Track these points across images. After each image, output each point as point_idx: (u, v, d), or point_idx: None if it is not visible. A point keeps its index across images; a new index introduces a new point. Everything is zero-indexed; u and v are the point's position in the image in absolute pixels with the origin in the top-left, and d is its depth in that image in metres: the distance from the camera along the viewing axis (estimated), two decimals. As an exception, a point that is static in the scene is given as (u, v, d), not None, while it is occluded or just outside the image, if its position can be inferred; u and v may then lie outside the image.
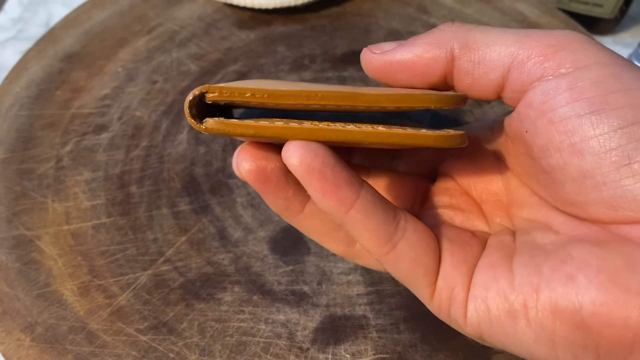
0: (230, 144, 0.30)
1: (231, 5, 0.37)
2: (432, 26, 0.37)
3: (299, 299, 0.24)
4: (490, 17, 0.37)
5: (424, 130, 0.16)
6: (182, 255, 0.26)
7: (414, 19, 0.37)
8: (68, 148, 0.30)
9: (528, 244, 0.17)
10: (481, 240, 0.18)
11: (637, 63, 0.39)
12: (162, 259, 0.26)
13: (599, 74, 0.15)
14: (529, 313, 0.15)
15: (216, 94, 0.16)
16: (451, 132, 0.16)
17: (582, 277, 0.14)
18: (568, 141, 0.15)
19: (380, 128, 0.16)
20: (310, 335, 0.24)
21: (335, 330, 0.24)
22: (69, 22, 0.36)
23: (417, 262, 0.17)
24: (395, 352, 0.23)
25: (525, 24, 0.37)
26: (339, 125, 0.16)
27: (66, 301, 0.24)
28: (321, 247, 0.26)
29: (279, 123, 0.15)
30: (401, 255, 0.17)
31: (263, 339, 0.23)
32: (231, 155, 0.29)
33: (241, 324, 0.24)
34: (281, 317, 0.24)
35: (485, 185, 0.21)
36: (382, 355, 0.23)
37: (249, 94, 0.15)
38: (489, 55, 0.17)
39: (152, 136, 0.30)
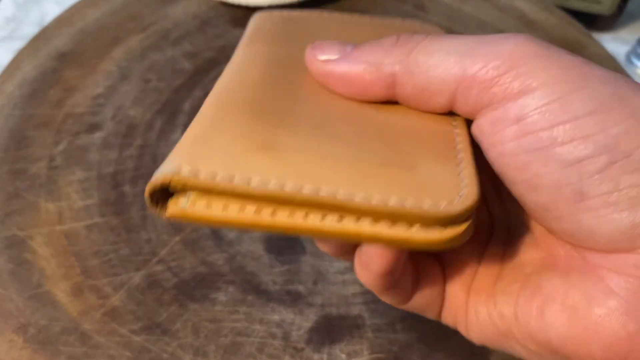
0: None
1: (225, 4, 0.37)
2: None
3: (294, 299, 0.24)
4: (488, 14, 0.37)
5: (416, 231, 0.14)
6: (176, 255, 0.26)
7: (411, 16, 0.37)
8: (61, 147, 0.29)
9: (510, 262, 0.18)
10: (479, 252, 0.19)
11: (635, 60, 0.39)
12: (155, 259, 0.25)
13: (546, 100, 0.14)
14: (515, 337, 0.17)
15: (181, 187, 0.14)
16: (449, 232, 0.14)
17: (549, 313, 0.15)
18: (521, 177, 0.15)
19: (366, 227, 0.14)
20: (305, 335, 0.23)
21: (330, 330, 0.23)
22: (62, 21, 0.36)
23: (429, 307, 0.19)
24: (391, 352, 0.23)
25: (523, 21, 0.37)
26: (314, 218, 0.14)
27: (59, 302, 0.24)
28: (316, 247, 0.26)
29: (250, 210, 0.14)
30: (415, 306, 0.19)
31: (258, 339, 0.23)
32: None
33: (236, 324, 0.24)
34: (276, 317, 0.24)
35: None
36: (378, 355, 0.23)
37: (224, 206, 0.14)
38: (433, 81, 0.16)
39: (146, 135, 0.30)
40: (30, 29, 0.40)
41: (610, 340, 0.15)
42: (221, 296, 0.24)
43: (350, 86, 0.17)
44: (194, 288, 0.25)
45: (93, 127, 0.30)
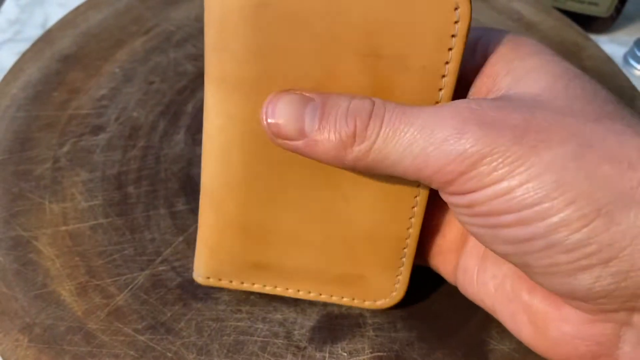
0: (227, 144, 0.30)
1: (228, 6, 0.37)
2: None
3: (296, 298, 0.25)
4: (487, 16, 0.38)
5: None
6: (180, 255, 0.26)
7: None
8: (65, 149, 0.30)
9: (492, 254, 0.20)
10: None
11: (632, 61, 0.39)
12: (159, 259, 0.26)
13: (493, 194, 0.16)
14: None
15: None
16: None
17: (519, 320, 0.20)
18: (478, 240, 0.18)
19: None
20: (307, 334, 0.24)
21: (332, 328, 0.24)
22: (65, 23, 0.36)
23: None
24: (392, 350, 0.23)
25: (521, 22, 0.37)
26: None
27: (64, 301, 0.24)
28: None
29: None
30: None
31: (260, 338, 0.23)
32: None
33: (239, 323, 0.24)
34: (278, 316, 0.24)
35: None
36: (379, 354, 0.23)
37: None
38: (392, 173, 0.18)
39: (149, 137, 0.30)
40: (33, 32, 0.40)
41: (565, 354, 0.17)
42: (224, 295, 0.25)
43: (313, 159, 0.18)
44: (198, 287, 0.25)
45: (97, 129, 0.30)
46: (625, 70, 0.38)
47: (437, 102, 0.18)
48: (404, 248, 0.22)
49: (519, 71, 0.18)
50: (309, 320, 0.24)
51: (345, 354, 0.23)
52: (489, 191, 0.16)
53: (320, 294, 0.23)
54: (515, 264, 0.18)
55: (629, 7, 0.41)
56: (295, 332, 0.24)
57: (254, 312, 0.24)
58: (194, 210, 0.27)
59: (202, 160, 0.21)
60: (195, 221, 0.27)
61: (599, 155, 0.15)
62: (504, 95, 0.17)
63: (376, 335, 0.24)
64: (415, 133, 0.16)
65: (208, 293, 0.25)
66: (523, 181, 0.15)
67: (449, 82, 0.18)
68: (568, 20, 0.37)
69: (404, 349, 0.23)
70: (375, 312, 0.24)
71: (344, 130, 0.17)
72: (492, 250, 0.18)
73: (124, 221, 0.27)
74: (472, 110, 0.16)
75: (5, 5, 0.42)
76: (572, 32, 0.37)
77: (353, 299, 0.23)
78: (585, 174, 0.15)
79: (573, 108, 0.16)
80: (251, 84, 0.18)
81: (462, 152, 0.16)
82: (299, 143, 0.18)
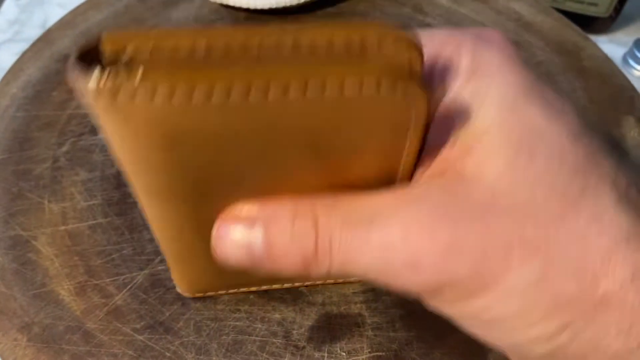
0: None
1: (227, 6, 0.37)
2: (428, 26, 0.37)
3: (294, 298, 0.25)
4: (486, 16, 0.38)
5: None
6: (179, 254, 0.26)
7: (410, 18, 0.37)
8: (64, 148, 0.30)
9: None
10: None
11: (632, 62, 0.39)
12: (158, 258, 0.26)
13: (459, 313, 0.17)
14: None
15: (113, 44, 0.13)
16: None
17: None
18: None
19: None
20: (306, 333, 0.24)
21: (331, 328, 0.24)
22: (65, 23, 0.36)
23: None
24: (391, 350, 0.23)
25: (520, 23, 0.37)
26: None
27: (63, 301, 0.24)
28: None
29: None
30: None
31: (259, 338, 0.23)
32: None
33: (237, 323, 0.24)
34: (277, 315, 0.24)
35: None
36: (378, 354, 0.23)
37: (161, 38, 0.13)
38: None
39: (149, 136, 0.30)
40: (33, 32, 0.40)
41: None
42: (223, 295, 0.25)
43: None
44: (196, 287, 0.25)
45: (96, 128, 0.30)
46: (624, 71, 0.38)
47: (393, 181, 0.18)
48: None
49: (474, 142, 0.16)
50: (307, 320, 0.24)
51: (344, 354, 0.23)
52: (455, 310, 0.17)
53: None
54: None
55: (628, 7, 0.41)
56: (294, 332, 0.24)
57: (252, 311, 0.24)
58: (193, 210, 0.27)
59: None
60: (194, 221, 0.27)
61: (562, 272, 0.15)
62: (456, 188, 0.16)
63: (375, 335, 0.24)
64: (368, 260, 0.16)
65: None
66: (486, 305, 0.15)
67: (407, 163, 0.17)
68: (567, 21, 0.37)
69: (403, 349, 0.23)
70: (374, 312, 0.24)
71: (295, 264, 0.17)
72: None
73: (123, 221, 0.27)
74: (425, 230, 0.15)
75: (5, 5, 0.42)
76: (571, 32, 0.37)
77: None
78: (550, 296, 0.15)
79: (535, 203, 0.15)
80: (186, 196, 0.17)
81: (420, 281, 0.16)
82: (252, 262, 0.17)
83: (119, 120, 0.13)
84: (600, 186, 0.15)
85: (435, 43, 0.17)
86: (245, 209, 0.17)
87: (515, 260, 0.15)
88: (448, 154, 0.16)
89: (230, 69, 0.13)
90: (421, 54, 0.14)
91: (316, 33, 0.14)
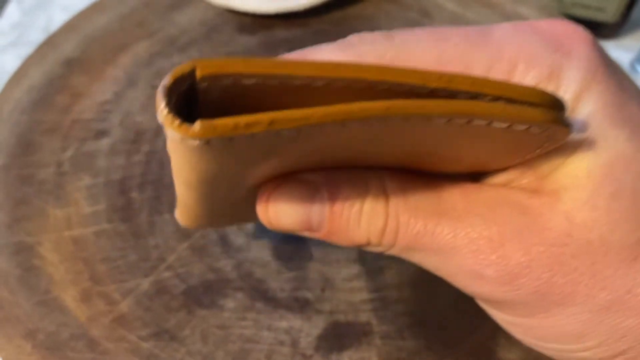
0: (232, 149, 0.30)
1: (232, 11, 0.37)
2: (434, 30, 0.37)
3: (302, 306, 0.24)
4: (493, 21, 0.37)
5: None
6: (184, 261, 0.26)
7: (416, 23, 0.37)
8: (69, 153, 0.29)
9: None
10: None
11: (639, 68, 0.39)
12: (163, 265, 0.26)
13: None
14: None
15: (214, 70, 0.11)
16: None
17: None
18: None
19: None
20: (313, 342, 0.23)
21: (338, 337, 0.24)
22: (69, 27, 0.36)
23: None
24: (399, 359, 0.23)
25: (527, 28, 0.37)
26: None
27: (67, 308, 0.24)
28: (324, 253, 0.26)
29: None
30: None
31: (266, 346, 0.23)
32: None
33: (244, 331, 0.24)
34: (284, 323, 0.24)
35: None
36: (386, 362, 0.23)
37: (263, 66, 0.11)
38: None
39: (153, 141, 0.30)
40: (36, 35, 0.40)
41: None
42: (229, 303, 0.24)
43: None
44: (202, 294, 0.25)
45: (100, 133, 0.30)
46: (632, 76, 0.38)
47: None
48: None
49: (554, 167, 0.16)
50: (315, 328, 0.24)
51: (352, 363, 0.23)
52: (508, 320, 0.17)
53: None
54: None
55: (635, 13, 0.41)
56: (301, 340, 0.23)
57: (259, 319, 0.24)
58: (198, 216, 0.27)
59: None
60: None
61: (624, 309, 0.15)
62: (532, 211, 0.16)
63: (383, 344, 0.23)
64: (431, 252, 0.16)
65: (213, 300, 0.24)
66: (542, 325, 0.16)
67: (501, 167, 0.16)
68: (574, 26, 0.37)
69: (412, 358, 0.23)
70: (382, 320, 0.24)
71: (357, 239, 0.17)
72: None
73: (128, 227, 0.27)
74: (494, 246, 0.15)
75: (8, 9, 0.42)
76: (578, 37, 0.37)
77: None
78: (609, 327, 0.15)
79: (611, 243, 0.15)
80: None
81: (480, 292, 0.16)
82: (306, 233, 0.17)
83: (201, 157, 0.12)
84: None
85: (504, 64, 0.15)
86: (307, 174, 0.16)
87: (582, 292, 0.15)
88: (523, 173, 0.16)
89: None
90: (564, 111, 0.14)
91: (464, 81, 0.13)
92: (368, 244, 0.17)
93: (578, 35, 0.16)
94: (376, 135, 0.13)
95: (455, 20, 0.37)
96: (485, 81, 0.12)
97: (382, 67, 0.12)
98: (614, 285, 0.15)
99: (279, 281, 0.25)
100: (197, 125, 0.10)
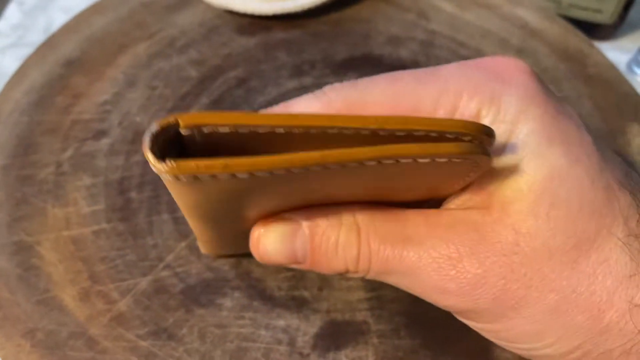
0: (231, 149, 0.30)
1: (231, 12, 0.37)
2: (432, 32, 0.37)
3: (299, 305, 0.24)
4: (491, 23, 0.38)
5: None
6: (182, 260, 0.26)
7: (414, 24, 0.37)
8: (68, 154, 0.30)
9: None
10: None
11: (636, 68, 0.39)
12: (162, 264, 0.26)
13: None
14: None
15: (194, 122, 0.13)
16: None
17: None
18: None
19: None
20: (310, 340, 0.24)
21: (335, 335, 0.24)
22: (69, 28, 0.36)
23: None
24: (396, 357, 0.23)
25: (526, 29, 0.37)
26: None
27: (66, 307, 0.24)
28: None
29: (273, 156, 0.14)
30: None
31: (263, 345, 0.23)
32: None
33: (241, 330, 0.24)
34: (282, 322, 0.24)
35: None
36: (383, 361, 0.23)
37: (232, 119, 0.14)
38: None
39: (153, 142, 0.30)
40: (36, 37, 0.40)
41: None
42: (227, 302, 0.25)
43: None
44: (200, 293, 0.25)
45: (100, 134, 0.30)
46: (629, 77, 0.38)
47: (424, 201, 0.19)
48: None
49: (498, 186, 0.18)
50: (312, 327, 0.24)
51: (349, 361, 0.23)
52: (478, 327, 0.19)
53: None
54: None
55: (632, 14, 0.41)
56: (299, 339, 0.24)
57: (256, 318, 0.24)
58: (197, 216, 0.27)
59: None
60: (198, 227, 0.27)
61: (573, 306, 0.17)
62: (484, 228, 0.17)
63: (380, 343, 0.24)
64: (402, 275, 0.18)
65: (211, 299, 0.25)
66: (505, 328, 0.18)
67: (448, 193, 0.19)
68: (572, 28, 0.37)
69: (408, 356, 0.23)
70: (379, 319, 0.24)
71: (337, 267, 0.19)
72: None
73: (127, 226, 0.27)
74: (453, 263, 0.17)
75: (9, 10, 0.42)
76: (576, 39, 0.37)
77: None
78: (561, 324, 0.17)
79: (554, 248, 0.17)
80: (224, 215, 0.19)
81: (447, 304, 0.19)
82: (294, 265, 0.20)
83: (184, 189, 0.15)
84: (613, 228, 0.17)
85: (450, 96, 0.18)
86: (291, 213, 0.19)
87: (533, 295, 0.17)
88: (475, 193, 0.18)
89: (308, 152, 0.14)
90: (492, 136, 0.16)
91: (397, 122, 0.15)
92: (347, 271, 0.19)
93: (517, 67, 0.19)
94: (333, 176, 0.15)
95: (454, 22, 0.38)
96: (415, 119, 0.15)
97: (330, 116, 0.14)
98: (560, 286, 0.17)
99: (276, 280, 0.25)
100: (166, 164, 0.13)
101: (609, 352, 0.17)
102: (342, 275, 0.19)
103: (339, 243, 0.18)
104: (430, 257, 0.18)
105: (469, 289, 0.17)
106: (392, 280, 0.19)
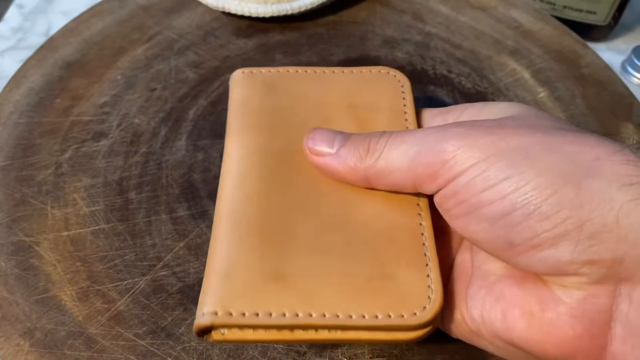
0: (228, 150, 0.30)
1: (229, 14, 0.37)
2: (428, 34, 0.37)
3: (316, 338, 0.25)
4: (485, 24, 0.38)
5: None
6: (181, 260, 0.26)
7: (410, 26, 0.38)
8: (67, 155, 0.30)
9: (479, 270, 0.21)
10: (449, 260, 0.23)
11: (630, 69, 0.39)
12: (160, 264, 0.26)
13: (471, 177, 0.19)
14: (484, 336, 0.20)
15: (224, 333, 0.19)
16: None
17: (510, 317, 0.19)
18: (466, 234, 0.20)
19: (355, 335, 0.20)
20: (307, 339, 0.24)
21: (332, 333, 0.24)
22: (68, 31, 0.36)
23: None
24: (392, 355, 0.23)
25: (520, 30, 0.38)
26: (323, 332, 0.20)
27: (65, 306, 0.25)
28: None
29: (273, 331, 0.19)
30: None
31: (261, 343, 0.24)
32: (229, 161, 0.30)
33: (239, 328, 0.24)
34: (279, 321, 0.24)
35: None
36: (379, 359, 0.23)
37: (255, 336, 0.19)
38: (395, 182, 0.21)
39: (151, 143, 0.31)
40: (36, 39, 0.40)
41: (561, 339, 0.18)
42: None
43: (335, 176, 0.22)
44: (198, 293, 0.25)
45: (99, 135, 0.31)
46: (623, 78, 0.38)
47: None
48: (423, 242, 0.21)
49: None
50: (309, 325, 0.24)
51: (345, 359, 0.23)
52: (468, 173, 0.19)
53: (351, 316, 0.19)
54: (501, 250, 0.19)
55: (626, 15, 0.42)
56: (295, 337, 0.24)
57: (254, 317, 0.24)
58: (194, 216, 0.28)
59: (219, 186, 0.23)
60: (196, 227, 0.27)
61: (560, 141, 0.18)
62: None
63: (376, 340, 0.24)
64: (412, 142, 0.20)
65: (208, 298, 0.25)
66: (494, 161, 0.18)
67: (410, 117, 0.25)
68: (566, 29, 0.38)
69: (404, 354, 0.23)
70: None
71: (362, 146, 0.21)
72: (480, 242, 0.20)
73: (125, 227, 0.27)
74: (452, 126, 0.20)
75: (9, 13, 0.42)
76: (570, 40, 0.37)
77: (389, 315, 0.19)
78: (550, 152, 0.18)
79: (531, 123, 0.19)
80: (267, 130, 0.24)
81: (445, 147, 0.19)
82: (327, 157, 0.22)
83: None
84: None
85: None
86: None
87: (521, 133, 0.19)
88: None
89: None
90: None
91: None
92: (367, 151, 0.22)
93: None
94: None
95: (449, 24, 0.38)
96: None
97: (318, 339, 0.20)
98: (547, 131, 0.19)
99: (273, 279, 0.25)
100: (209, 336, 0.20)
101: (596, 191, 0.17)
102: (359, 165, 0.21)
103: (366, 134, 0.22)
104: (433, 127, 0.21)
105: (468, 129, 0.20)
106: (398, 157, 0.21)
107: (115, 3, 0.38)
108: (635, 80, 0.39)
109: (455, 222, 0.20)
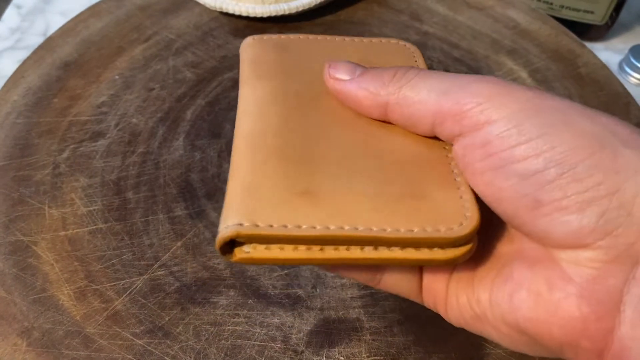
0: (226, 149, 0.30)
1: (227, 14, 0.38)
2: (425, 34, 0.37)
3: (293, 303, 0.25)
4: (483, 24, 0.38)
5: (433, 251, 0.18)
6: (178, 260, 0.26)
7: (407, 26, 0.38)
8: (65, 155, 0.30)
9: (488, 253, 0.20)
10: None
11: (627, 68, 0.39)
12: (157, 263, 0.26)
13: (505, 128, 0.17)
14: (489, 320, 0.19)
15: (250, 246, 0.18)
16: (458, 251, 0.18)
17: (517, 297, 0.18)
18: (489, 191, 0.18)
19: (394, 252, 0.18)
20: (304, 338, 0.24)
21: (329, 333, 0.24)
22: (66, 31, 0.36)
23: (403, 289, 0.21)
24: (389, 354, 0.23)
25: (517, 30, 0.38)
26: (355, 250, 0.18)
27: (62, 306, 0.25)
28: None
29: (302, 249, 0.18)
30: (387, 285, 0.21)
31: (258, 342, 0.24)
32: (226, 161, 0.30)
33: (236, 328, 0.24)
34: (276, 320, 0.24)
35: None
36: (376, 358, 0.23)
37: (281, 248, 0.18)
38: (416, 113, 0.19)
39: (149, 143, 0.31)
40: (34, 40, 0.40)
41: (567, 319, 0.17)
42: (222, 300, 0.25)
43: (354, 104, 0.21)
44: (196, 292, 0.25)
45: (97, 135, 0.31)
46: (620, 78, 0.38)
47: None
48: (452, 170, 0.20)
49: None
50: (306, 325, 0.24)
51: (343, 358, 0.23)
52: (501, 123, 0.18)
53: (384, 229, 0.18)
54: (525, 209, 0.18)
55: (624, 15, 0.42)
56: (293, 337, 0.24)
57: (251, 316, 0.24)
58: (192, 216, 0.28)
59: (236, 126, 0.21)
60: (194, 226, 0.27)
61: (596, 113, 0.17)
62: None
63: (373, 340, 0.24)
64: (443, 79, 0.19)
65: (206, 298, 0.25)
66: (530, 114, 0.17)
67: None
68: (564, 28, 0.38)
69: (401, 353, 0.24)
70: (372, 317, 0.24)
71: (387, 74, 0.20)
72: (504, 200, 0.18)
73: (123, 226, 0.27)
74: (487, 76, 0.19)
75: (7, 13, 0.42)
76: (567, 39, 0.37)
77: (425, 229, 0.18)
78: (587, 118, 0.17)
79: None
80: (282, 75, 0.23)
81: (480, 90, 0.18)
82: (346, 82, 0.21)
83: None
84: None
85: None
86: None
87: (557, 99, 0.18)
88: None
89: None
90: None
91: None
92: (392, 78, 0.20)
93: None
94: None
95: (446, 23, 0.38)
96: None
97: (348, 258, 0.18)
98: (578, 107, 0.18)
99: (271, 279, 0.25)
100: (231, 256, 0.18)
101: (632, 160, 0.17)
102: (379, 91, 0.20)
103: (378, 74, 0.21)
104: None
105: (503, 81, 0.19)
106: (425, 89, 0.20)
107: (113, 3, 0.38)
108: (633, 79, 0.39)
109: (479, 178, 0.19)
